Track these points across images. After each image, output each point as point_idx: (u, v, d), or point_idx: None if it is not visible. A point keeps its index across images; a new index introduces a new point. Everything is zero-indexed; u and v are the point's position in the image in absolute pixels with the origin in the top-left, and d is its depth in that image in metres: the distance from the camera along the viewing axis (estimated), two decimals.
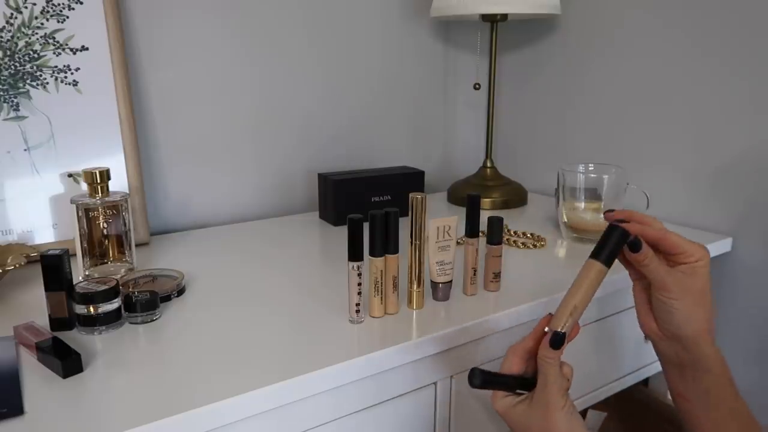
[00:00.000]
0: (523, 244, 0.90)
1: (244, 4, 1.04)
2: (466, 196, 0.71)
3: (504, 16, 1.09)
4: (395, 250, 0.64)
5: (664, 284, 0.53)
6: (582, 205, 0.90)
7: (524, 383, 0.55)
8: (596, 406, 1.03)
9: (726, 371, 0.55)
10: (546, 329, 0.53)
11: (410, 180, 1.09)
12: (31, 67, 0.82)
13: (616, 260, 0.55)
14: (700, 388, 0.55)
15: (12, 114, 0.82)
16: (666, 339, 0.56)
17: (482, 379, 0.53)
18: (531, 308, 0.69)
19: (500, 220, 0.70)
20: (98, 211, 0.77)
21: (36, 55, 0.83)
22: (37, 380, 0.53)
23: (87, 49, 0.86)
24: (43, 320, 0.63)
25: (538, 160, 1.26)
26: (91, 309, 0.61)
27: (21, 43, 0.82)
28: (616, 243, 0.53)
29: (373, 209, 0.62)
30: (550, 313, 0.55)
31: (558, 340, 0.51)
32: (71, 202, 0.76)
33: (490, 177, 1.18)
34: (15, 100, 0.82)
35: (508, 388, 0.55)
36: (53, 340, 0.57)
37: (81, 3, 0.85)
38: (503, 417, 0.55)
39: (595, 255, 0.54)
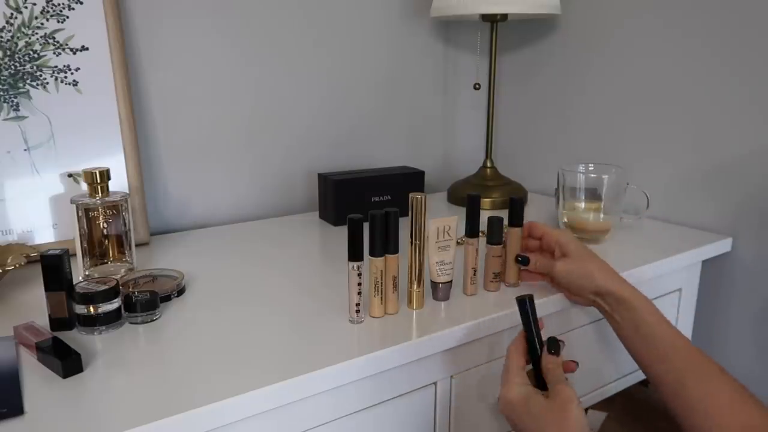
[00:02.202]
0: None
1: (243, 4, 1.04)
2: (466, 196, 0.71)
3: (504, 16, 1.09)
4: (395, 250, 0.64)
5: (557, 269, 0.69)
6: (582, 205, 0.90)
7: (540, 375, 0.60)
8: (596, 406, 1.03)
9: (653, 310, 0.65)
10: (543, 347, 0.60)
11: (410, 180, 1.09)
12: (31, 67, 0.82)
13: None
14: (631, 321, 0.66)
15: (12, 114, 0.82)
16: (593, 297, 0.68)
17: (532, 310, 0.60)
18: None
19: (500, 220, 0.70)
20: (98, 211, 0.77)
21: (36, 55, 0.83)
22: (37, 380, 0.53)
23: (87, 49, 0.86)
24: (43, 320, 0.63)
25: (538, 160, 1.26)
26: (91, 309, 0.61)
27: (21, 43, 0.82)
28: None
29: (373, 209, 0.62)
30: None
31: (554, 348, 0.59)
32: (71, 202, 0.76)
33: (490, 177, 1.18)
34: (15, 100, 0.82)
35: (533, 342, 0.60)
36: (53, 340, 0.57)
37: (81, 3, 0.85)
38: (513, 406, 0.56)
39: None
